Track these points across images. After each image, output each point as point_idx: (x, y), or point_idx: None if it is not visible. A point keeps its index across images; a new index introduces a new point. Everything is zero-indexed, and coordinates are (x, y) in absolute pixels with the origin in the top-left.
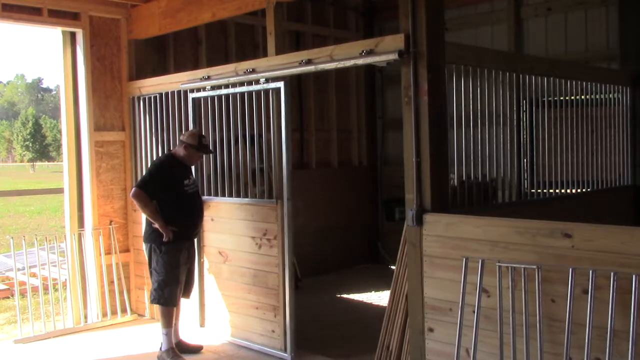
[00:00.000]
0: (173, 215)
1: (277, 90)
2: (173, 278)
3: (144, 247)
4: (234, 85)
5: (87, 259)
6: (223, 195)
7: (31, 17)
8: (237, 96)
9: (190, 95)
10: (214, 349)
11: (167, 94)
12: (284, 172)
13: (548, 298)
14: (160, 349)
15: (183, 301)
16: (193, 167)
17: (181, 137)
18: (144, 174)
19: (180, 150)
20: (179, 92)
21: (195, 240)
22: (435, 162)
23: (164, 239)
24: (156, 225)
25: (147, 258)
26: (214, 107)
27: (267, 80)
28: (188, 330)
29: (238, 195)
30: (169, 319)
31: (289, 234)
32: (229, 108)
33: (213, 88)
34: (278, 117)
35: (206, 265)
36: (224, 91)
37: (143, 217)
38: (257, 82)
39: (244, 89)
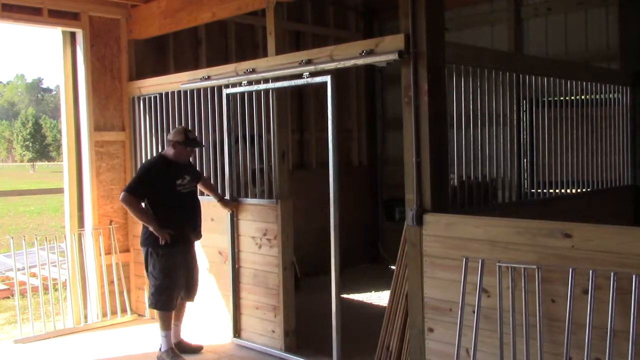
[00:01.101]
0: (166, 217)
1: (324, 84)
2: (170, 282)
3: (142, 251)
4: (274, 80)
5: (87, 259)
6: (223, 195)
7: (31, 17)
8: (245, 95)
9: (225, 91)
10: (214, 349)
11: (167, 94)
12: (331, 172)
13: (548, 298)
14: (160, 349)
15: (188, 304)
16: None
17: (168, 137)
18: (135, 175)
19: (169, 150)
20: (179, 92)
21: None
22: (435, 162)
23: (160, 242)
24: (151, 229)
25: (144, 262)
26: (213, 104)
27: (312, 75)
28: (208, 335)
29: (238, 196)
30: (167, 322)
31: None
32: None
33: (250, 83)
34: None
35: (206, 265)
36: (262, 86)
37: None
38: (300, 76)
39: (286, 83)
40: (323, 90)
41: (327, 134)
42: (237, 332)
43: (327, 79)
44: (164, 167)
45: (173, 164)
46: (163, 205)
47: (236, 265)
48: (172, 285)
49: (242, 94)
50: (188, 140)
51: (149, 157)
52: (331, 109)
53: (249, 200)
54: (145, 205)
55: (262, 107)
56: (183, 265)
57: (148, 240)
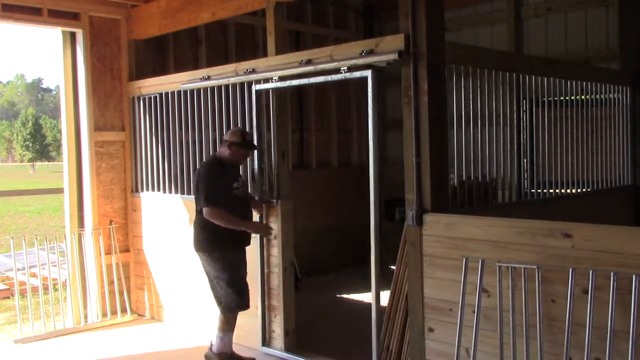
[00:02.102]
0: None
1: (364, 79)
2: (240, 279)
3: (200, 257)
4: (307, 75)
5: (87, 259)
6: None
7: (31, 17)
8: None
9: (255, 87)
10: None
11: (167, 94)
12: (371, 170)
13: (548, 298)
14: (211, 349)
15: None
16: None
17: (224, 137)
18: (198, 187)
19: (224, 151)
20: (179, 92)
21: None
22: (435, 162)
23: (265, 235)
24: (251, 229)
25: (205, 269)
26: (206, 101)
27: (350, 69)
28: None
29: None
30: (232, 323)
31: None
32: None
33: (282, 79)
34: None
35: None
36: (296, 82)
37: (144, 217)
38: (338, 71)
39: (322, 78)
40: (323, 90)
41: (327, 134)
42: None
43: (368, 73)
44: (222, 169)
45: (228, 165)
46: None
47: (265, 271)
48: (243, 282)
49: (267, 90)
50: (245, 142)
51: (149, 157)
52: (372, 106)
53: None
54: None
55: (262, 106)
56: (243, 265)
57: (202, 245)
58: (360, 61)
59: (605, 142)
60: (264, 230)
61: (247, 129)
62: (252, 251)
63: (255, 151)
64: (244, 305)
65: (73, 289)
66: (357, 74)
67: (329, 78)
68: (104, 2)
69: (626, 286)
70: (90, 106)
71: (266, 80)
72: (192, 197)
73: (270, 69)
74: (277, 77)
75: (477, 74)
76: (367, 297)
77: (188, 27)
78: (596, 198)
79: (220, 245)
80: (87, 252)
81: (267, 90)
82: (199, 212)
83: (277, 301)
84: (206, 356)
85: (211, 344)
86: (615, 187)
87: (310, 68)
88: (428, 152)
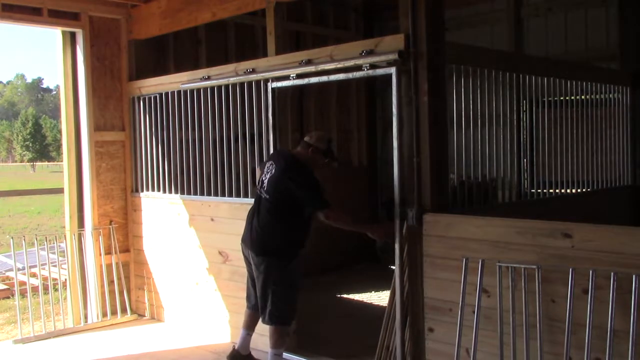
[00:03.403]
0: (299, 234)
1: (388, 77)
2: (294, 295)
3: (256, 260)
4: (327, 72)
5: (87, 259)
6: (223, 195)
7: (31, 17)
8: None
9: (271, 85)
10: (214, 349)
11: (167, 94)
12: (395, 169)
13: (548, 298)
14: None
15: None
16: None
17: (307, 139)
18: (308, 188)
19: (303, 151)
20: (179, 92)
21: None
22: (435, 162)
23: (385, 238)
24: (372, 233)
25: (263, 273)
26: (206, 101)
27: (372, 67)
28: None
29: (238, 195)
30: (283, 338)
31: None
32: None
33: (299, 76)
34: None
35: (206, 265)
36: (315, 79)
37: (144, 217)
38: (360, 68)
39: (342, 76)
40: (324, 90)
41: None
42: None
43: (392, 70)
44: None
45: None
46: (300, 216)
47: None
48: (295, 296)
49: (284, 88)
50: (329, 151)
51: (149, 157)
52: (396, 104)
53: (249, 200)
54: (283, 212)
55: (262, 105)
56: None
57: (273, 250)
58: (360, 61)
59: (605, 142)
60: (385, 234)
61: (248, 129)
62: None
63: (256, 150)
64: (291, 321)
65: (73, 289)
66: (380, 72)
67: (350, 75)
68: (104, 2)
69: (626, 286)
70: (90, 106)
71: (283, 78)
72: (193, 197)
73: (270, 68)
74: (294, 75)
75: (477, 74)
76: (367, 297)
77: (188, 27)
78: (596, 198)
79: (294, 255)
80: (87, 252)
81: (281, 89)
82: (294, 214)
83: None
84: None
85: None
86: (615, 187)
87: (311, 68)
88: (428, 152)
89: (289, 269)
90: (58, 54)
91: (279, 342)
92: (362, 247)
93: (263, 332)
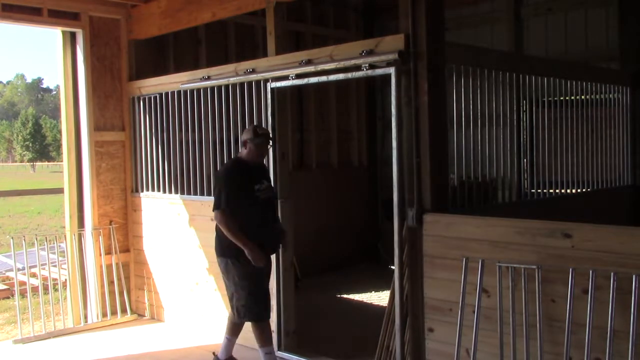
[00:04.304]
0: (244, 226)
1: (388, 77)
2: (260, 287)
3: (218, 261)
4: (326, 72)
5: (87, 259)
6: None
7: (31, 17)
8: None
9: (271, 85)
10: (214, 349)
11: (167, 94)
12: (394, 168)
13: (548, 298)
14: None
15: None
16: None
17: (240, 138)
18: (214, 190)
19: (242, 151)
20: (179, 92)
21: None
22: (435, 162)
23: (253, 263)
24: (247, 250)
25: (223, 275)
26: (206, 101)
27: (372, 67)
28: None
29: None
30: (266, 334)
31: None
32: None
33: (299, 76)
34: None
35: (206, 265)
36: (314, 79)
37: (144, 218)
38: (359, 68)
39: (342, 76)
40: (324, 90)
41: (327, 134)
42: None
43: (392, 70)
44: (241, 171)
45: (249, 166)
46: (242, 212)
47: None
48: (263, 290)
49: (283, 89)
50: (257, 135)
51: (149, 157)
52: (395, 104)
53: None
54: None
55: (261, 104)
56: (266, 272)
57: (227, 251)
58: (360, 61)
59: (605, 142)
60: (256, 260)
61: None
62: None
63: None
64: (266, 315)
65: (73, 289)
66: (379, 72)
67: (349, 75)
68: (104, 2)
69: (626, 286)
70: (90, 106)
71: (283, 78)
72: (193, 197)
73: (270, 68)
74: (294, 75)
75: (477, 74)
76: (367, 297)
77: (188, 27)
78: (596, 198)
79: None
80: (87, 252)
81: (280, 89)
82: (234, 214)
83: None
84: None
85: None
86: (615, 187)
87: (310, 68)
88: (428, 152)
89: (250, 265)
90: (58, 54)
91: (262, 339)
92: (362, 247)
93: None
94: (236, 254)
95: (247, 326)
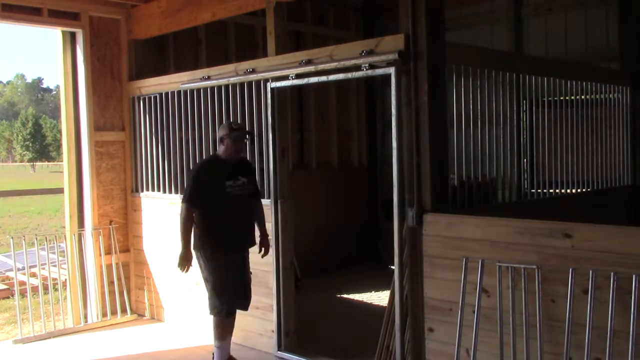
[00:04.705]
0: (212, 224)
1: (387, 77)
2: (224, 284)
3: (194, 255)
4: (326, 72)
5: (87, 259)
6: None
7: (31, 17)
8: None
9: (271, 85)
10: (213, 349)
11: (167, 94)
12: (394, 168)
13: (548, 298)
14: None
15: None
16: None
17: (217, 136)
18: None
19: (220, 148)
20: (179, 92)
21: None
22: (435, 162)
23: (177, 265)
24: (180, 250)
25: (199, 267)
26: (206, 101)
27: (372, 67)
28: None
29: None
30: (220, 330)
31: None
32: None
33: (299, 76)
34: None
35: None
36: (314, 79)
37: (144, 217)
38: (359, 68)
39: (341, 76)
40: (323, 90)
41: (327, 134)
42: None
43: (392, 70)
44: (214, 167)
45: (225, 163)
46: (211, 207)
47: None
48: (227, 287)
49: (283, 88)
50: (232, 130)
51: (149, 157)
52: (395, 105)
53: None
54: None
55: (261, 104)
56: (233, 268)
57: (197, 243)
58: (360, 61)
59: (605, 142)
60: (180, 263)
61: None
62: (253, 251)
63: (256, 150)
64: (229, 312)
65: (73, 289)
66: (379, 72)
67: (349, 75)
68: (104, 2)
69: (626, 286)
70: (90, 106)
71: (283, 78)
72: None
73: (270, 68)
74: (294, 75)
75: (477, 74)
76: (367, 297)
77: (188, 27)
78: (596, 198)
79: (216, 246)
80: (87, 252)
81: (280, 89)
82: (203, 207)
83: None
84: None
85: (212, 357)
86: (615, 187)
87: (310, 68)
88: (428, 152)
89: (218, 260)
90: (58, 54)
91: (215, 333)
92: (362, 247)
93: (263, 332)
94: (204, 248)
95: (246, 325)
